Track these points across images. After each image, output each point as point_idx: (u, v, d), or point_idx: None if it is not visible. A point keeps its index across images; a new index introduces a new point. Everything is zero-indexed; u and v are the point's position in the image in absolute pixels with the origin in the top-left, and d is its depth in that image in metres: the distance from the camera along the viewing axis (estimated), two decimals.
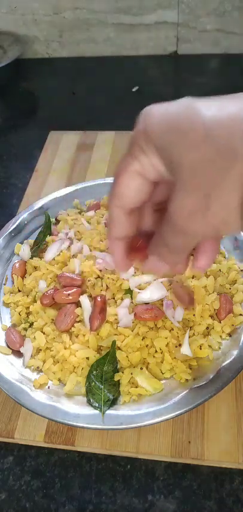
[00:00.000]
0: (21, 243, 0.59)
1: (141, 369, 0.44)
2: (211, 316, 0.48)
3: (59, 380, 0.46)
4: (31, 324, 0.51)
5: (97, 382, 0.44)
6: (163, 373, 0.45)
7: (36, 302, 0.51)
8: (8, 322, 0.52)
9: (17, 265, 0.56)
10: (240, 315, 0.48)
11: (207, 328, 0.47)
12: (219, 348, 0.46)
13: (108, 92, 0.95)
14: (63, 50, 1.06)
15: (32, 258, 0.56)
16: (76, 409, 0.43)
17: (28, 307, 0.52)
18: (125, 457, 0.44)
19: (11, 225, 0.61)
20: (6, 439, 0.45)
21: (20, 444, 0.45)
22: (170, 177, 0.28)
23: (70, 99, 0.94)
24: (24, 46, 1.04)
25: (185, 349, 0.44)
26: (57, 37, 1.04)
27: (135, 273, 0.50)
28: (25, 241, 0.59)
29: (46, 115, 0.91)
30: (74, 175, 0.72)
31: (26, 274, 0.56)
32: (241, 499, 0.40)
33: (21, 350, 0.48)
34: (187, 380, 0.44)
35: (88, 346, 0.46)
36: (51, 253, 0.54)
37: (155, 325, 0.46)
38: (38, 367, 0.47)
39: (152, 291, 0.47)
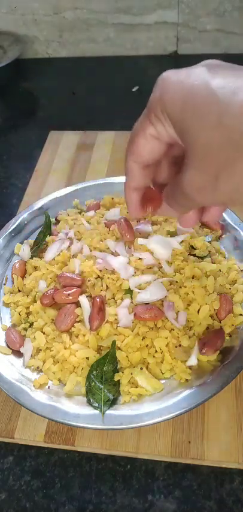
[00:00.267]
0: (21, 243, 0.59)
1: (141, 369, 0.44)
2: (211, 316, 0.47)
3: (59, 380, 0.46)
4: (31, 324, 0.51)
5: (97, 382, 0.44)
6: (163, 373, 0.45)
7: (36, 302, 0.51)
8: (8, 322, 0.52)
9: (17, 265, 0.56)
10: (240, 315, 0.48)
11: (207, 328, 0.47)
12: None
13: (108, 92, 0.95)
14: (63, 50, 1.06)
15: (32, 258, 0.56)
16: (76, 409, 0.43)
17: (28, 307, 0.52)
18: (125, 457, 0.44)
19: (11, 225, 0.61)
20: (6, 439, 0.45)
21: (20, 444, 0.46)
22: (184, 146, 0.29)
23: (70, 99, 0.94)
24: (24, 46, 1.04)
25: (192, 361, 0.44)
26: (57, 37, 1.04)
27: (135, 273, 0.50)
28: (25, 241, 0.59)
29: (46, 115, 0.91)
30: (74, 175, 0.72)
31: (26, 274, 0.56)
32: (241, 499, 0.40)
33: (21, 350, 0.48)
34: (187, 380, 0.44)
35: (88, 346, 0.46)
36: (51, 253, 0.54)
37: (155, 325, 0.46)
38: (38, 367, 0.47)
39: (152, 291, 0.47)
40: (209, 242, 0.55)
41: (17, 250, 0.59)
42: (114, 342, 0.45)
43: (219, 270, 0.51)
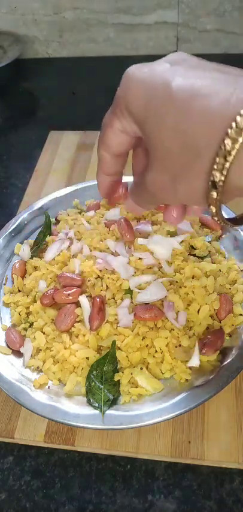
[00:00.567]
0: (21, 243, 0.59)
1: (141, 369, 0.44)
2: (211, 316, 0.47)
3: (59, 380, 0.46)
4: (31, 324, 0.51)
5: (97, 382, 0.44)
6: (163, 373, 0.45)
7: (36, 302, 0.51)
8: (8, 322, 0.52)
9: (17, 265, 0.56)
10: (240, 315, 0.48)
11: (207, 328, 0.47)
12: None
13: (108, 92, 0.94)
14: (63, 50, 1.06)
15: (32, 258, 0.56)
16: (76, 409, 0.43)
17: (28, 307, 0.52)
18: (125, 457, 0.44)
19: (11, 225, 0.61)
20: (6, 439, 0.45)
21: (20, 444, 0.45)
22: (146, 145, 0.30)
23: (70, 99, 0.94)
24: (24, 46, 1.04)
25: (195, 362, 0.44)
26: (57, 37, 1.04)
27: (135, 273, 0.50)
28: (25, 241, 0.59)
29: (46, 115, 0.91)
30: (74, 175, 0.72)
31: (26, 274, 0.56)
32: (241, 499, 0.40)
33: (21, 350, 0.48)
34: (187, 380, 0.44)
35: (88, 346, 0.46)
36: (51, 253, 0.54)
37: (155, 325, 0.46)
38: (38, 367, 0.47)
39: (152, 291, 0.47)
40: (209, 242, 0.55)
41: (17, 250, 0.59)
42: (114, 342, 0.45)
43: (219, 270, 0.51)
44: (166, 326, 0.46)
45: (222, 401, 0.44)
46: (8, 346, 0.49)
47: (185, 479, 0.42)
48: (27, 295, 0.53)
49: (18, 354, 0.49)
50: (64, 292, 0.49)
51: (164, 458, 0.43)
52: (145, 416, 0.41)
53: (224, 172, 0.25)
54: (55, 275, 0.52)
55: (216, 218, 0.28)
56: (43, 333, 0.48)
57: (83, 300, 0.48)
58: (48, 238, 0.58)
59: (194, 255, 0.53)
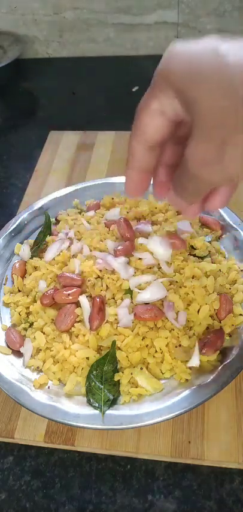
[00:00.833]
0: (21, 243, 0.60)
1: (141, 369, 0.44)
2: (211, 316, 0.47)
3: (59, 380, 0.46)
4: (31, 324, 0.51)
5: (97, 382, 0.44)
6: (163, 373, 0.45)
7: (36, 302, 0.51)
8: (8, 322, 0.52)
9: (17, 265, 0.56)
10: (240, 315, 0.48)
11: (207, 328, 0.47)
12: None
13: (108, 92, 0.95)
14: (63, 50, 1.06)
15: (32, 258, 0.56)
16: (76, 409, 0.43)
17: (28, 307, 0.52)
18: (125, 457, 0.44)
19: (11, 225, 0.61)
20: (6, 439, 0.45)
21: (20, 444, 0.46)
22: (189, 120, 0.28)
23: (70, 99, 0.94)
24: (24, 46, 1.04)
25: (195, 362, 0.44)
26: (57, 37, 1.04)
27: (135, 273, 0.50)
28: (25, 241, 0.59)
29: (46, 115, 0.91)
30: (74, 175, 0.72)
31: (26, 274, 0.56)
32: (241, 499, 0.40)
33: (21, 350, 0.48)
34: (187, 380, 0.44)
35: (88, 346, 0.46)
36: (51, 253, 0.54)
37: (155, 325, 0.46)
38: (38, 367, 0.47)
39: (152, 291, 0.47)
40: (209, 242, 0.55)
41: (17, 250, 0.59)
42: (114, 342, 0.45)
43: (219, 270, 0.51)
44: (166, 326, 0.46)
45: (222, 401, 0.44)
46: (8, 346, 0.49)
47: (185, 479, 0.42)
48: (27, 295, 0.53)
49: (18, 354, 0.49)
50: (64, 292, 0.49)
51: (164, 458, 0.43)
52: (145, 416, 0.41)
53: None
54: (55, 275, 0.52)
55: None
56: (43, 333, 0.48)
57: (83, 300, 0.48)
58: (48, 238, 0.58)
59: (194, 255, 0.53)
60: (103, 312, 0.47)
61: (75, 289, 0.49)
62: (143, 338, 0.46)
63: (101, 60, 1.04)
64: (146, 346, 0.46)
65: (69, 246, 0.55)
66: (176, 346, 0.45)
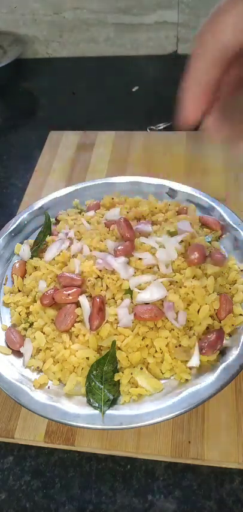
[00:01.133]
0: (21, 243, 0.60)
1: (141, 369, 0.44)
2: (211, 316, 0.47)
3: (59, 380, 0.46)
4: (31, 324, 0.51)
5: (97, 382, 0.44)
6: (163, 373, 0.45)
7: (36, 302, 0.51)
8: (8, 322, 0.52)
9: (17, 265, 0.56)
10: (240, 315, 0.48)
11: (207, 328, 0.47)
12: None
13: (108, 92, 0.95)
14: (63, 50, 1.06)
15: (32, 258, 0.56)
16: (76, 409, 0.43)
17: (28, 307, 0.52)
18: (125, 457, 0.44)
19: (11, 225, 0.61)
20: (6, 439, 0.45)
21: (20, 444, 0.46)
22: None
23: (70, 99, 0.94)
24: (24, 46, 1.04)
25: (195, 362, 0.44)
26: (57, 37, 1.04)
27: (135, 273, 0.50)
28: (25, 241, 0.59)
29: (46, 115, 0.91)
30: (74, 175, 0.72)
31: (26, 274, 0.56)
32: (241, 499, 0.40)
33: (21, 350, 0.48)
34: (187, 380, 0.44)
35: (88, 346, 0.46)
36: (51, 253, 0.54)
37: (155, 325, 0.46)
38: (38, 367, 0.47)
39: (152, 291, 0.47)
40: (209, 242, 0.55)
41: (17, 250, 0.59)
42: (114, 342, 0.45)
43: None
44: (166, 326, 0.46)
45: (222, 401, 0.44)
46: (8, 346, 0.49)
47: (185, 479, 0.42)
48: (27, 295, 0.53)
49: (18, 354, 0.49)
50: (64, 292, 0.49)
51: (164, 458, 0.43)
52: (145, 416, 0.41)
53: None
54: (55, 275, 0.52)
55: None
56: (43, 333, 0.48)
57: (83, 300, 0.48)
58: (48, 238, 0.58)
59: None
60: (103, 312, 0.47)
61: (75, 289, 0.49)
62: (143, 338, 0.46)
63: (101, 60, 1.04)
64: (146, 346, 0.46)
65: (69, 246, 0.55)
66: (176, 346, 0.45)
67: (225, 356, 0.45)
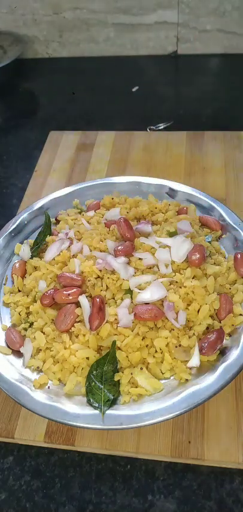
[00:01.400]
0: (21, 243, 0.60)
1: (141, 369, 0.44)
2: (211, 316, 0.47)
3: (59, 380, 0.46)
4: (31, 324, 0.51)
5: (97, 382, 0.44)
6: (163, 373, 0.45)
7: (36, 302, 0.51)
8: (8, 322, 0.52)
9: (17, 265, 0.56)
10: (240, 315, 0.48)
11: (207, 328, 0.47)
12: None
13: (108, 92, 0.95)
14: (63, 50, 1.06)
15: (32, 258, 0.57)
16: (76, 409, 0.43)
17: (28, 307, 0.52)
18: (125, 457, 0.44)
19: (11, 225, 0.61)
20: (6, 439, 0.45)
21: (20, 444, 0.46)
22: None
23: (70, 99, 0.94)
24: (24, 46, 1.04)
25: (195, 362, 0.44)
26: (57, 37, 1.04)
27: (135, 273, 0.50)
28: (25, 241, 0.59)
29: (47, 115, 0.91)
30: (74, 175, 0.72)
31: (26, 274, 0.56)
32: (241, 499, 0.40)
33: (21, 350, 0.48)
34: (187, 380, 0.44)
35: (88, 346, 0.46)
36: (51, 253, 0.54)
37: (155, 325, 0.46)
38: (38, 367, 0.47)
39: (152, 291, 0.47)
40: (209, 242, 0.55)
41: (17, 250, 0.59)
42: (114, 342, 0.45)
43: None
44: (166, 326, 0.46)
45: (222, 401, 0.44)
46: (8, 346, 0.49)
47: (185, 479, 0.42)
48: (27, 295, 0.53)
49: (18, 354, 0.49)
50: (64, 292, 0.49)
51: (164, 458, 0.43)
52: (145, 416, 0.41)
53: None
54: (55, 275, 0.52)
55: None
56: (43, 333, 0.48)
57: (83, 300, 0.48)
58: (48, 238, 0.58)
59: None
60: (103, 312, 0.47)
61: (75, 289, 0.49)
62: (143, 338, 0.46)
63: (101, 60, 1.04)
64: (146, 346, 0.46)
65: (69, 246, 0.55)
66: (176, 346, 0.45)
67: (225, 356, 0.45)
